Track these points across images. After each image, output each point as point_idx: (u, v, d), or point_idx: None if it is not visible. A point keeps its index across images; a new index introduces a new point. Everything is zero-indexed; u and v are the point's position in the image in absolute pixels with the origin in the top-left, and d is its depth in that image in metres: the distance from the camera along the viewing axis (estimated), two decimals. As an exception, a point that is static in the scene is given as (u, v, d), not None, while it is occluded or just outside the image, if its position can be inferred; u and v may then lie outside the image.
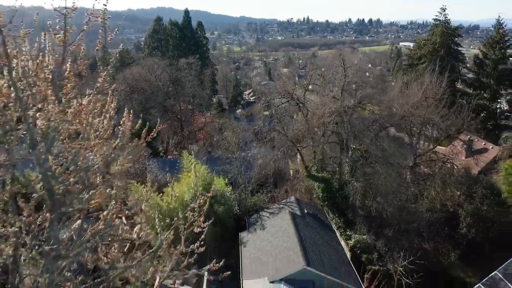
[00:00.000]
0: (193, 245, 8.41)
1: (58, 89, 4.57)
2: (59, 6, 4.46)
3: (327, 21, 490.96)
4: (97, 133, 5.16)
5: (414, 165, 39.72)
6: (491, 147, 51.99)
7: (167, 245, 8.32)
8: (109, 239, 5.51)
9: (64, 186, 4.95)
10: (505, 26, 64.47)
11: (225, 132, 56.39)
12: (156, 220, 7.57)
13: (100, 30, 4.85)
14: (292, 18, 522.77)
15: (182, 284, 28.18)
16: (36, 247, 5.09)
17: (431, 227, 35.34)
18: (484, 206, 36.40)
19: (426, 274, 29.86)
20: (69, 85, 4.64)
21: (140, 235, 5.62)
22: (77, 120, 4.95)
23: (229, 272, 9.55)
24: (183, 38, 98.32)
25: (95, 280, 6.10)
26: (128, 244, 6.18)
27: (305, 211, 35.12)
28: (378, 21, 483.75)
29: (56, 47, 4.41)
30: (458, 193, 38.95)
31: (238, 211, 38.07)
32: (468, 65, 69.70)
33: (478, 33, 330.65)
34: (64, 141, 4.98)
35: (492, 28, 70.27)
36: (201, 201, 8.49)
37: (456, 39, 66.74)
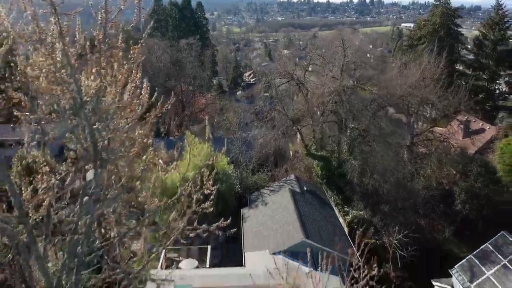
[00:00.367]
0: (204, 204, 9.34)
1: (101, 59, 5.39)
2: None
3: (328, 1, 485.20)
4: (128, 98, 6.01)
5: (411, 144, 40.60)
6: (488, 127, 52.75)
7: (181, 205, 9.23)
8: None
9: (103, 140, 5.87)
10: (505, 7, 64.51)
11: (226, 113, 57.09)
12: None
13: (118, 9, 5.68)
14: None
15: (187, 257, 29.41)
16: (80, 192, 6.00)
17: (427, 204, 36.43)
18: (478, 184, 37.40)
19: (421, 248, 31.11)
20: (113, 55, 5.46)
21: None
22: (114, 86, 5.80)
23: (235, 229, 10.48)
24: (183, 18, 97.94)
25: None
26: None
27: (305, 188, 36.17)
28: (380, 1, 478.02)
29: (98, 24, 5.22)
30: (454, 171, 39.93)
31: (239, 189, 39.14)
32: (469, 46, 69.89)
33: (480, 14, 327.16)
34: (105, 103, 5.85)
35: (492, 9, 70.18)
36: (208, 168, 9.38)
37: (456, 20, 66.77)
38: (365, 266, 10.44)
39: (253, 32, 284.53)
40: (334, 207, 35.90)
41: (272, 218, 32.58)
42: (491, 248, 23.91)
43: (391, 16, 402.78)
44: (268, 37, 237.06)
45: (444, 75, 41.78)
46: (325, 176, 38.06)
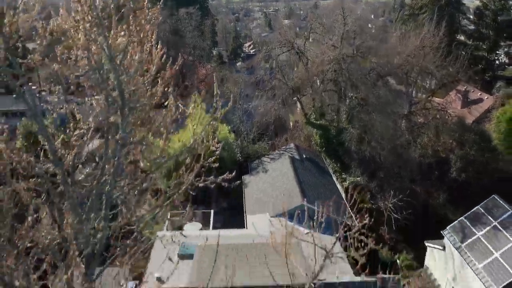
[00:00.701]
0: (210, 158, 10.19)
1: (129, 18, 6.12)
2: None
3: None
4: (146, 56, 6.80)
5: (409, 113, 41.29)
6: (486, 97, 53.28)
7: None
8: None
9: (129, 91, 6.66)
10: (507, -24, 63.76)
11: (226, 84, 57.44)
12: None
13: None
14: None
15: (191, 220, 30.63)
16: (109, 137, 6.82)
17: (423, 171, 37.44)
18: (474, 152, 38.34)
19: (416, 213, 32.33)
20: (139, 14, 6.18)
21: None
22: (138, 44, 6.54)
23: (239, 181, 11.39)
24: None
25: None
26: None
27: (304, 156, 37.13)
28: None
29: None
30: (450, 140, 40.80)
31: (240, 157, 40.13)
32: (471, 17, 69.43)
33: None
34: (129, 59, 6.60)
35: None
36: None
37: (458, -11, 66.12)
38: (357, 216, 11.36)
39: (253, 2, 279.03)
40: (332, 175, 36.96)
41: (272, 184, 33.66)
42: (482, 210, 25.01)
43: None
44: (268, 7, 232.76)
45: (444, 44, 42.00)
46: (324, 144, 38.95)
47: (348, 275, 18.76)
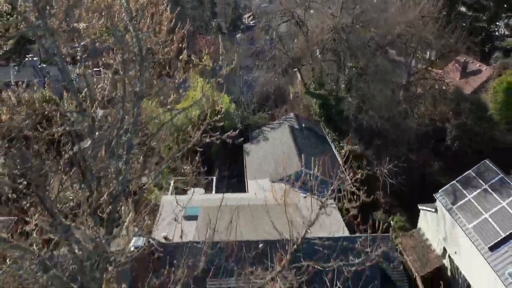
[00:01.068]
0: (216, 117, 11.04)
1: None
2: None
3: None
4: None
5: (407, 83, 41.88)
6: (485, 68, 53.67)
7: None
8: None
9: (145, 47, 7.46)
10: None
11: (226, 54, 57.53)
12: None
13: None
14: None
15: (195, 186, 31.73)
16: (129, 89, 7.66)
17: (419, 140, 38.35)
18: (470, 121, 39.17)
19: (411, 179, 33.45)
20: None
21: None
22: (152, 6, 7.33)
23: (242, 138, 12.26)
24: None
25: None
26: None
27: (303, 125, 37.99)
28: None
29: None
30: (447, 110, 41.55)
31: (241, 127, 40.97)
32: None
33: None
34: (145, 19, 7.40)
35: None
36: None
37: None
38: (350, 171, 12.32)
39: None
40: (331, 143, 37.90)
41: (272, 152, 34.65)
42: (473, 174, 26.00)
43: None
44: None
45: (443, 15, 42.14)
46: (323, 114, 39.73)
47: (341, 232, 19.93)
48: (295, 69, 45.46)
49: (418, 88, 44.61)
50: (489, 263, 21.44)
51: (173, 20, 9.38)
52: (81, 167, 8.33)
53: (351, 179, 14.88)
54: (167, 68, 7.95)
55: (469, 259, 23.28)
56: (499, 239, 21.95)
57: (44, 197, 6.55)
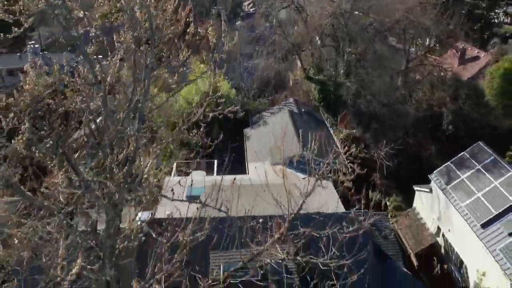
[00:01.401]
0: (219, 97, 11.82)
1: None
2: None
3: None
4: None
5: (405, 69, 42.46)
6: (483, 55, 54.15)
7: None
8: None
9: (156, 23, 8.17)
10: None
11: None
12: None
13: None
14: None
15: (196, 169, 32.58)
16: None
17: (416, 124, 39.07)
18: (466, 106, 39.85)
19: (407, 163, 34.29)
20: None
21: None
22: None
23: (243, 113, 13.03)
24: None
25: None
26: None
27: (303, 110, 38.67)
28: None
29: None
30: (445, 95, 42.18)
31: (241, 112, 41.61)
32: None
33: None
34: None
35: None
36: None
37: None
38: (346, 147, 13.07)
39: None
40: (329, 128, 38.63)
41: (272, 136, 35.38)
42: (467, 155, 26.81)
43: None
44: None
45: (441, 1, 42.53)
46: (322, 99, 40.41)
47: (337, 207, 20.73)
48: (295, 56, 45.99)
49: (417, 74, 45.15)
50: (481, 240, 22.33)
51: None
52: (96, 136, 9.09)
53: (345, 154, 15.68)
54: (169, 52, 8.70)
55: (462, 237, 24.18)
56: (491, 216, 22.80)
57: (69, 154, 7.30)
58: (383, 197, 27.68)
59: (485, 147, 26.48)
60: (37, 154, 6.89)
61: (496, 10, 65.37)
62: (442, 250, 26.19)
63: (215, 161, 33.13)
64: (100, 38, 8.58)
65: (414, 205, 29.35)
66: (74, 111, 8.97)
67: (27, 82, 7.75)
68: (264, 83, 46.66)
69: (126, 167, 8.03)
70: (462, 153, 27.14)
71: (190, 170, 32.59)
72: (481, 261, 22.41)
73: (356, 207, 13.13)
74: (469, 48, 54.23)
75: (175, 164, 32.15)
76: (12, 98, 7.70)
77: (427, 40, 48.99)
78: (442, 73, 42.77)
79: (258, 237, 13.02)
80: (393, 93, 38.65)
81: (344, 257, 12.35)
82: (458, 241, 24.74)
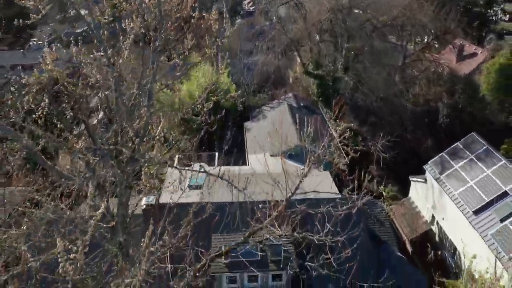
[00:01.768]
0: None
1: None
2: None
3: None
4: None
5: (403, 65, 43.22)
6: (480, 51, 54.87)
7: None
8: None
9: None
10: None
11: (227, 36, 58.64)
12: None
13: None
14: None
15: (197, 161, 33.25)
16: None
17: (413, 118, 39.85)
18: (462, 101, 40.61)
19: (404, 155, 35.03)
20: None
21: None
22: None
23: (244, 98, 13.85)
24: None
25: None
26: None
27: (302, 104, 39.49)
28: None
29: None
30: (441, 90, 42.95)
31: (241, 107, 42.41)
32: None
33: None
34: None
35: None
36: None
37: None
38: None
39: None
40: (328, 122, 39.40)
41: (271, 128, 36.13)
42: (461, 146, 27.59)
43: None
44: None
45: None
46: (320, 93, 41.22)
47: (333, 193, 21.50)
48: (294, 52, 46.72)
49: (414, 70, 45.89)
50: (473, 226, 23.13)
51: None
52: (108, 115, 9.91)
53: (339, 137, 16.43)
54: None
55: (455, 224, 24.98)
56: (483, 203, 23.61)
57: (88, 124, 8.10)
58: (378, 187, 28.48)
59: (478, 138, 27.25)
60: (58, 125, 7.68)
61: (494, 8, 66.11)
62: (436, 238, 27.00)
63: (216, 153, 33.91)
64: (112, 25, 9.36)
65: (409, 195, 30.15)
66: (90, 86, 9.76)
67: (47, 63, 8.55)
68: (264, 79, 47.42)
69: (139, 136, 8.83)
70: (456, 143, 27.91)
71: (192, 163, 33.18)
72: (474, 247, 23.18)
73: (349, 187, 13.88)
74: (467, 45, 54.92)
75: (177, 156, 32.90)
76: (34, 78, 8.50)
77: (426, 37, 49.71)
78: (439, 69, 43.54)
79: (258, 214, 13.81)
80: (391, 88, 39.42)
81: (339, 234, 13.14)
82: (451, 229, 25.53)
